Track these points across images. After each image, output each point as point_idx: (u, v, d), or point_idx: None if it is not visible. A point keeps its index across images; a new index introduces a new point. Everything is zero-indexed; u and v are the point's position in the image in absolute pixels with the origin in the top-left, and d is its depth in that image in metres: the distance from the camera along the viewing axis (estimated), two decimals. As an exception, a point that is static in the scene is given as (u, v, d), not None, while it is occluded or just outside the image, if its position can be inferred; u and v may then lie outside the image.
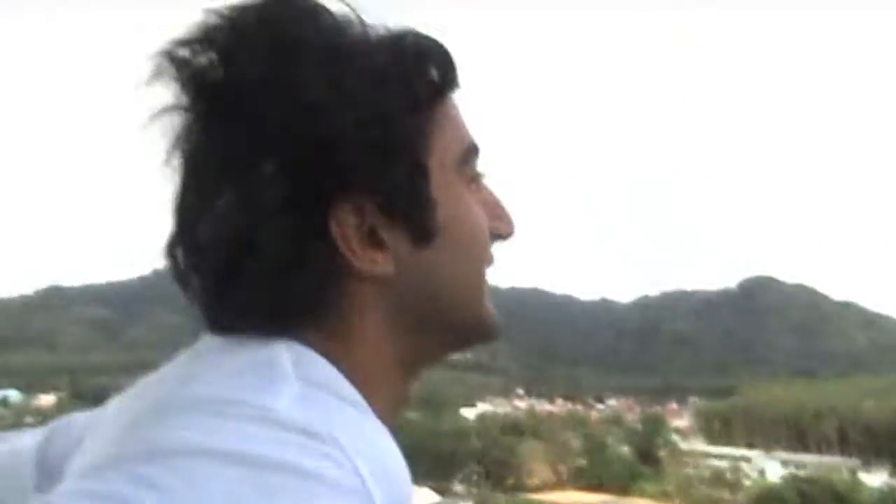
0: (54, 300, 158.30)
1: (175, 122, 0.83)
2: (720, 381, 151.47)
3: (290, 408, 0.71)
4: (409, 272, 0.84)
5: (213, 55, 0.81)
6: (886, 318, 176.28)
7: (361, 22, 0.86)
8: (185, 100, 0.82)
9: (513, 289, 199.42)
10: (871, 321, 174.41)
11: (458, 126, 0.89)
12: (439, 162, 0.85)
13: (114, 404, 0.85)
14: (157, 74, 0.82)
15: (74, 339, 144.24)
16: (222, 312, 0.81)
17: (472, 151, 0.88)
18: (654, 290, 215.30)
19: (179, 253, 0.82)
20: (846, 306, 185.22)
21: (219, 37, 0.82)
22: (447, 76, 0.88)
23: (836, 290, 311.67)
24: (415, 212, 0.83)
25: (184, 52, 0.82)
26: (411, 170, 0.82)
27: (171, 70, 0.82)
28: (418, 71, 0.85)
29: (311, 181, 0.79)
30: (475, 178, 0.90)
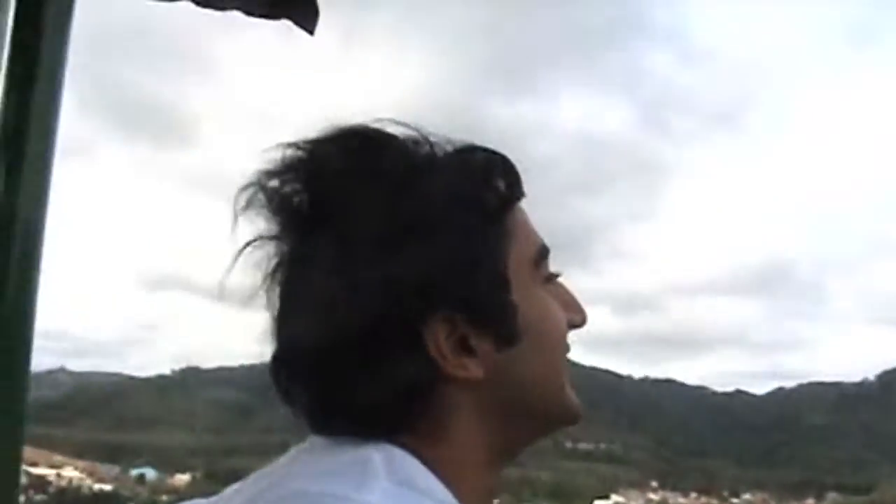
0: (191, 381, 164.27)
1: (268, 247, 0.92)
2: (858, 476, 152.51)
3: (380, 502, 0.78)
4: (496, 373, 0.91)
5: (297, 185, 0.90)
6: None
7: (429, 142, 0.94)
8: (275, 228, 0.91)
9: (646, 379, 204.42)
10: None
11: (529, 232, 0.97)
12: (516, 268, 0.92)
13: (229, 492, 0.94)
14: (249, 204, 0.91)
15: (210, 420, 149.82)
16: (326, 419, 0.90)
17: (543, 253, 0.97)
18: (789, 382, 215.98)
19: (283, 372, 0.91)
20: None
21: (301, 167, 0.90)
22: (514, 187, 0.97)
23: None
24: (499, 318, 0.90)
25: (273, 183, 0.91)
26: (493, 280, 0.90)
27: (262, 199, 0.91)
28: (487, 186, 0.93)
29: (403, 298, 0.85)
30: (549, 277, 0.98)
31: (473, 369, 0.90)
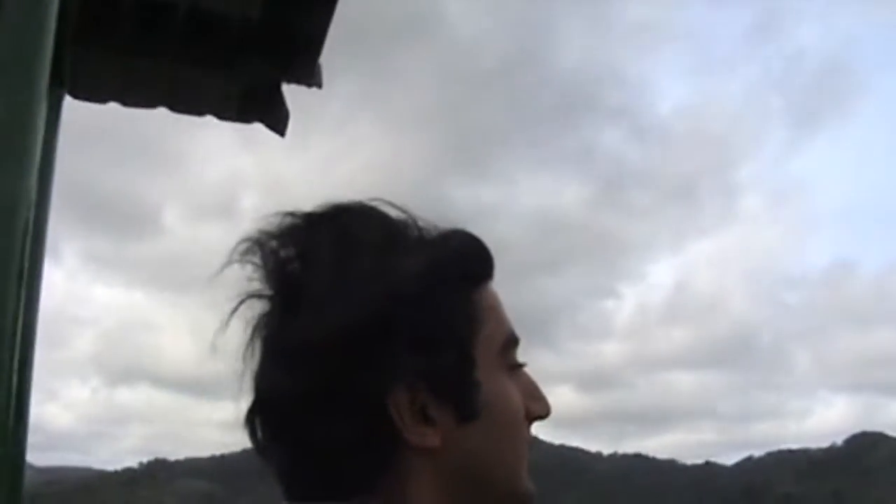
0: (159, 473, 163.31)
1: (254, 305, 0.97)
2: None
3: None
4: (454, 445, 0.94)
5: (293, 250, 0.96)
6: None
7: (416, 224, 1.00)
8: (267, 288, 0.96)
9: (615, 454, 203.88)
10: None
11: (501, 318, 1.01)
12: (483, 350, 0.97)
13: None
14: (244, 257, 0.97)
15: None
16: (296, 485, 0.94)
17: (512, 341, 1.01)
18: (758, 451, 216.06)
19: (258, 424, 0.96)
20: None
21: (298, 234, 0.97)
22: (487, 270, 1.02)
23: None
24: (460, 393, 0.95)
25: (272, 244, 0.97)
26: (459, 358, 0.95)
27: (258, 258, 0.97)
28: (464, 267, 0.99)
29: (371, 367, 0.91)
30: (515, 366, 1.01)
31: (430, 438, 0.94)
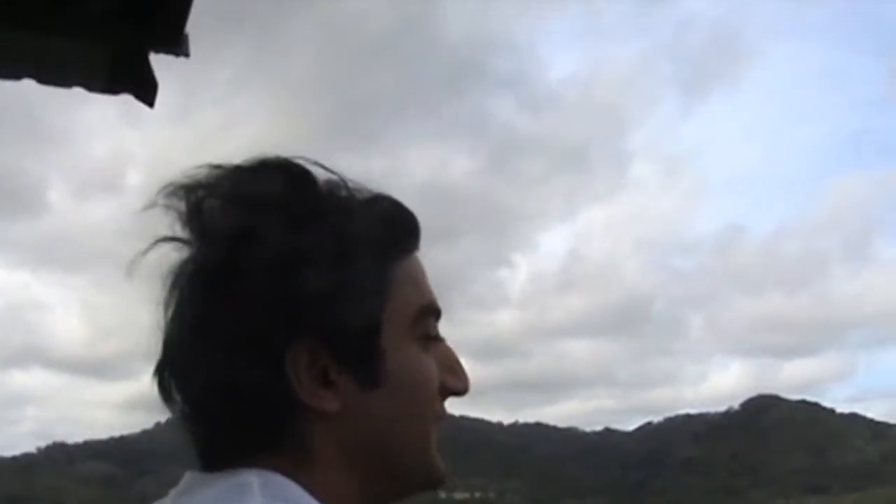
0: (59, 457, 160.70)
1: (172, 254, 0.96)
2: (729, 503, 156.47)
3: None
4: (355, 413, 0.94)
5: (221, 201, 0.95)
6: (894, 427, 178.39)
7: (347, 186, 1.00)
8: (190, 236, 0.96)
9: (516, 423, 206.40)
10: (880, 431, 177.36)
11: (419, 287, 1.01)
12: (393, 317, 0.96)
13: None
14: (167, 201, 0.96)
15: (81, 497, 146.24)
16: (206, 443, 0.94)
17: (427, 311, 1.00)
18: (656, 417, 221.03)
19: (167, 376, 0.95)
20: (853, 418, 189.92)
21: (227, 185, 0.97)
22: (409, 240, 1.02)
23: (841, 402, 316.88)
24: (363, 360, 0.94)
25: (199, 193, 0.96)
26: (364, 321, 0.94)
27: (183, 206, 0.96)
28: (384, 234, 0.98)
29: (270, 325, 0.91)
30: (431, 337, 1.00)
31: (328, 402, 0.94)
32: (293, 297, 0.92)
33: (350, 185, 1.02)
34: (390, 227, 1.01)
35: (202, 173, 0.98)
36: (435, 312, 1.02)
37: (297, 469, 0.92)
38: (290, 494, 0.89)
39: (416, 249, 1.04)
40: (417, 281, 1.02)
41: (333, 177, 1.01)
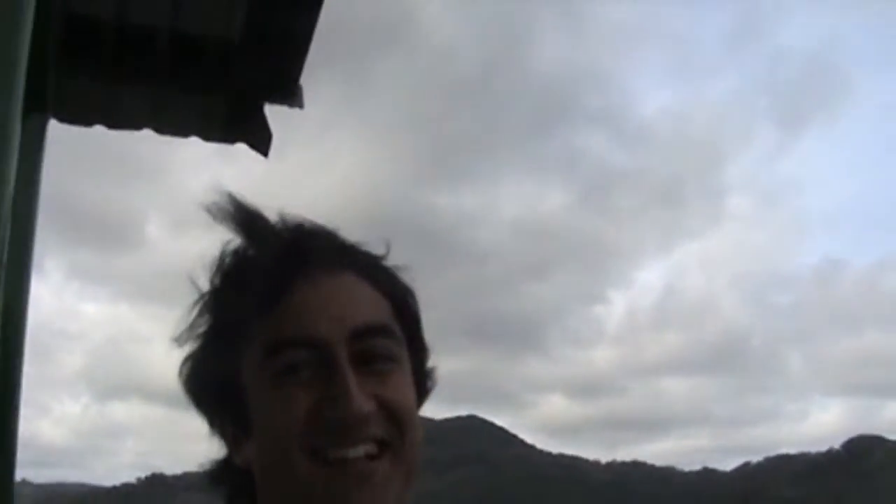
0: (158, 488, 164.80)
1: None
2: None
3: None
4: (252, 462, 1.03)
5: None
6: None
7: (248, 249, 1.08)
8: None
9: (613, 462, 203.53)
10: None
11: (272, 325, 1.02)
12: (250, 370, 1.03)
13: None
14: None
15: None
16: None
17: (272, 349, 1.01)
18: (756, 456, 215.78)
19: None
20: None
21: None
22: (272, 290, 1.03)
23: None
24: (235, 419, 1.05)
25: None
26: (230, 386, 1.04)
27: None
28: (229, 296, 1.06)
29: (203, 385, 1.09)
30: (290, 368, 1.00)
31: (238, 458, 1.07)
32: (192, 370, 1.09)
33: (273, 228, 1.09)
34: (243, 284, 1.05)
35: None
36: (282, 344, 1.02)
37: None
38: None
39: (283, 296, 1.04)
40: (277, 317, 1.03)
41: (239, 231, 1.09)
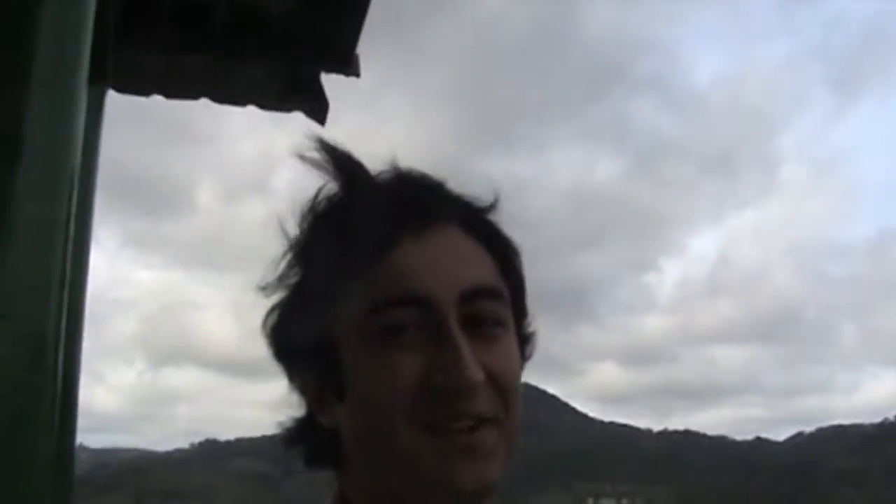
0: (211, 454, 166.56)
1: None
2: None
3: None
4: (342, 425, 0.96)
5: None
6: None
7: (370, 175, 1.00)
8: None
9: (665, 430, 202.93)
10: None
11: (374, 281, 0.93)
12: (342, 320, 0.95)
13: None
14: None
15: (232, 492, 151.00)
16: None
17: (382, 303, 0.92)
18: (808, 427, 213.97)
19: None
20: None
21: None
22: (392, 231, 0.95)
23: None
24: (326, 375, 0.96)
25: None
26: (321, 339, 0.95)
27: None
28: (337, 244, 0.96)
29: (284, 343, 1.02)
30: (396, 329, 0.92)
31: (327, 419, 0.98)
32: (288, 320, 1.01)
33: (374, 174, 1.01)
34: (366, 225, 0.96)
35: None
36: (383, 304, 0.93)
37: (342, 473, 1.00)
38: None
39: (392, 238, 0.96)
40: (382, 273, 0.94)
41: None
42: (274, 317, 1.01)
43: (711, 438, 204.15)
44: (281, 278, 1.00)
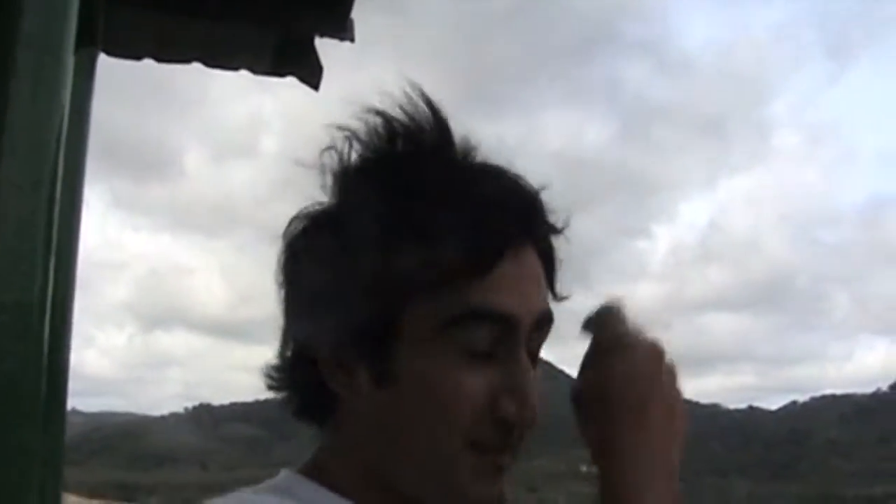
0: (204, 418, 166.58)
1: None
2: (877, 488, 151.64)
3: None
4: (370, 407, 0.91)
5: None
6: None
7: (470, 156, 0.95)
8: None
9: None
10: None
11: (468, 292, 0.88)
12: (418, 321, 0.88)
13: None
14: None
15: (224, 457, 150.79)
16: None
17: (469, 318, 0.88)
18: (801, 396, 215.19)
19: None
20: None
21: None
22: (488, 247, 0.89)
23: None
24: (373, 354, 0.89)
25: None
26: (378, 319, 0.88)
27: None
28: (460, 235, 0.87)
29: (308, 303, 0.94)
30: (482, 353, 0.89)
31: (343, 386, 0.92)
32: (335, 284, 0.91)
33: (476, 155, 0.97)
34: (456, 218, 0.89)
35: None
36: (474, 321, 0.89)
37: (336, 442, 0.96)
38: (294, 484, 0.94)
39: (496, 251, 0.89)
40: (474, 282, 0.89)
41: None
42: (319, 249, 0.92)
43: (704, 407, 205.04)
44: (355, 210, 0.92)
